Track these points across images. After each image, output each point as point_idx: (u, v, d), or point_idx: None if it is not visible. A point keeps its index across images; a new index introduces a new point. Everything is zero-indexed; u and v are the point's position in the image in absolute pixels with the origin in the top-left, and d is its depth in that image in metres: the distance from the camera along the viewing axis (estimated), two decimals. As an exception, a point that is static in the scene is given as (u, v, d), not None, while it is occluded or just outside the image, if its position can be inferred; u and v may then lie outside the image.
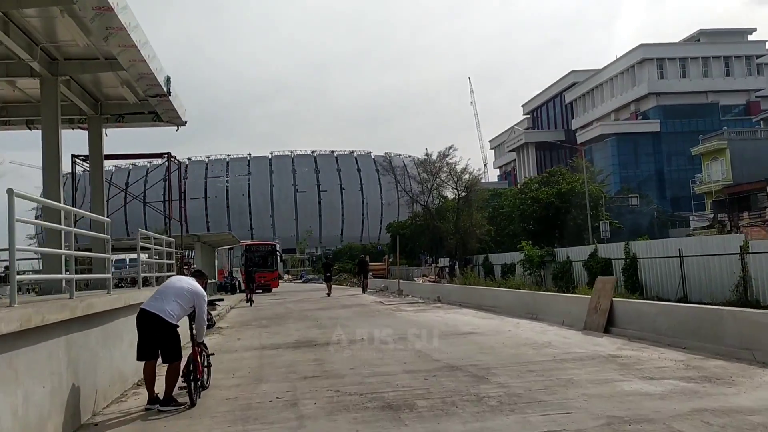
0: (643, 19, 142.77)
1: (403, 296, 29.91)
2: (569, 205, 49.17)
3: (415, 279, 46.46)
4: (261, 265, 43.66)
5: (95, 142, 15.98)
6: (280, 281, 45.55)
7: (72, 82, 14.04)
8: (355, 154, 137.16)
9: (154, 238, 13.16)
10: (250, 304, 29.11)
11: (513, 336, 13.09)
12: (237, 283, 43.73)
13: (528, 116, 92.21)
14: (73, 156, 20.19)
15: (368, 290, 34.42)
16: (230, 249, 46.02)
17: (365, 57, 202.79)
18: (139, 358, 7.93)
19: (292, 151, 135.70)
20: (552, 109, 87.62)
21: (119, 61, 11.35)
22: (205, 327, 8.42)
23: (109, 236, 10.86)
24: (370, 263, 52.08)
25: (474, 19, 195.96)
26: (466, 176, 44.73)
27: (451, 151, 45.16)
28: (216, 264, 52.88)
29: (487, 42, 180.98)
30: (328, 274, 36.21)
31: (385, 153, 45.78)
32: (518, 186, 53.16)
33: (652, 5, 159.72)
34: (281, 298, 36.03)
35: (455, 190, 44.74)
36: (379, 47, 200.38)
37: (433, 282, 44.91)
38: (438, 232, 46.69)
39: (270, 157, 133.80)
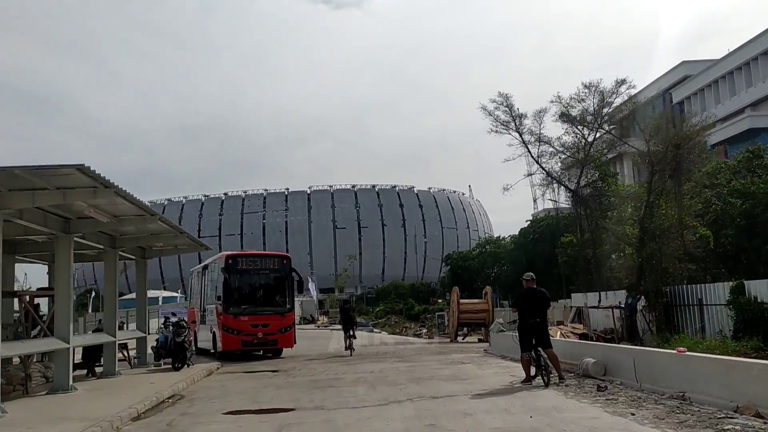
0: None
1: None
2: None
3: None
4: (261, 301, 18.79)
5: None
6: (304, 327, 20.24)
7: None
8: (397, 188, 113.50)
9: None
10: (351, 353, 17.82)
11: None
12: (210, 338, 18.80)
13: (615, 126, 66.37)
14: None
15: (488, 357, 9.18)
16: (204, 268, 21.24)
17: (405, 99, 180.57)
18: None
19: (331, 186, 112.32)
20: (651, 112, 62.07)
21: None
22: None
23: None
24: (460, 299, 26.81)
25: (512, 62, 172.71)
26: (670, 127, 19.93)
27: (624, 89, 21.11)
28: (189, 295, 28.14)
29: (525, 83, 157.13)
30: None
31: (499, 92, 19.92)
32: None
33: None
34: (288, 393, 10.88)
35: (647, 157, 20.22)
36: (419, 89, 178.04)
37: (579, 339, 20.17)
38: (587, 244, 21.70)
39: (309, 192, 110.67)
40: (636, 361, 9.35)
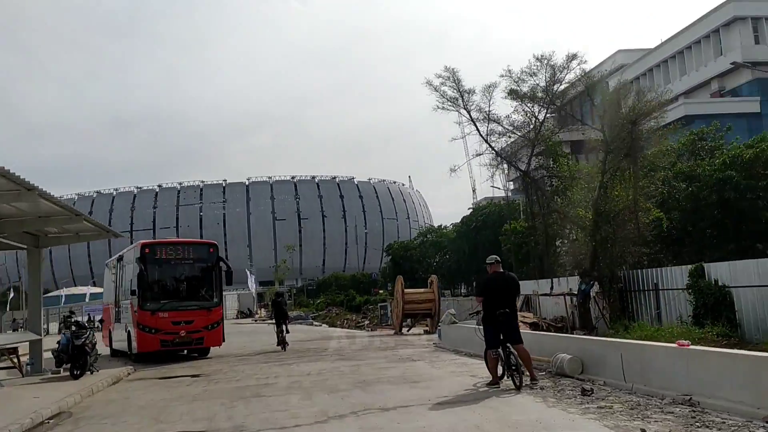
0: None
1: None
2: (757, 184, 23.27)
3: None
4: (183, 295, 16.40)
5: None
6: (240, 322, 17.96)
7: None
8: (337, 180, 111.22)
9: None
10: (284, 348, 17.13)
11: None
12: (125, 337, 16.31)
13: (554, 115, 66.31)
14: None
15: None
16: (119, 259, 18.60)
17: (345, 91, 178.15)
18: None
19: (270, 177, 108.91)
20: (589, 101, 62.22)
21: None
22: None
23: None
24: (405, 288, 25.14)
25: (449, 55, 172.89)
26: (631, 100, 18.94)
27: (576, 64, 19.92)
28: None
29: (464, 73, 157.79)
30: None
31: (446, 66, 18.35)
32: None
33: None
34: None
35: (601, 132, 19.15)
36: (358, 81, 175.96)
37: (530, 329, 19.00)
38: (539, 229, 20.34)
39: (247, 183, 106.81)
40: (624, 357, 7.72)
